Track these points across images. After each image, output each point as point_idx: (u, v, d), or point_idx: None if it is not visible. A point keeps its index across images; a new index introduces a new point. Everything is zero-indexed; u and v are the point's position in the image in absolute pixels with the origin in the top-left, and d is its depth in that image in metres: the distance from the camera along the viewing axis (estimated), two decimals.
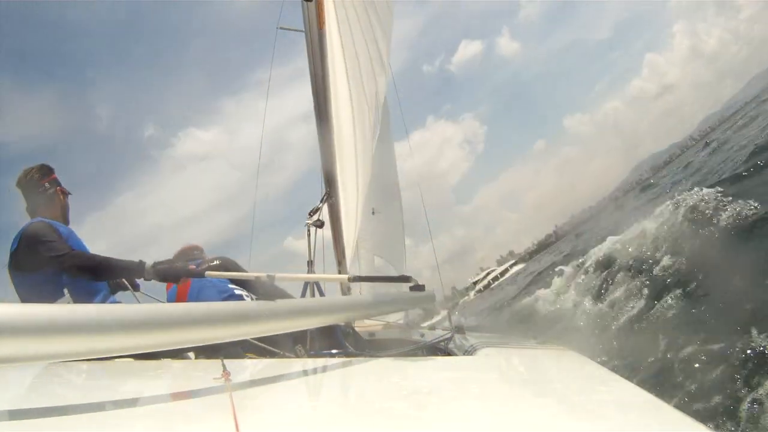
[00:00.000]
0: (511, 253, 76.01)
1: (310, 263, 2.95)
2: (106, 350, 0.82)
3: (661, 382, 3.72)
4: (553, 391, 1.07)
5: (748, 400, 2.98)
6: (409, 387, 1.08)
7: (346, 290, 3.98)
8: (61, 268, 1.83)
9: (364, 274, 5.15)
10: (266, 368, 1.38)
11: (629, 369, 4.14)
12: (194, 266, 2.66)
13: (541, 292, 9.59)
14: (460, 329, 2.81)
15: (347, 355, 2.26)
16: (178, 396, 0.95)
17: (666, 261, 5.92)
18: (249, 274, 1.82)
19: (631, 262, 6.80)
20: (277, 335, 1.76)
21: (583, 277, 8.26)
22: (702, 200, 6.44)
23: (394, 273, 5.35)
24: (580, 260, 9.61)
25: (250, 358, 1.80)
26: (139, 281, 2.23)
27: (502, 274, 49.16)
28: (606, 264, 7.74)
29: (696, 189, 6.98)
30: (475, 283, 54.82)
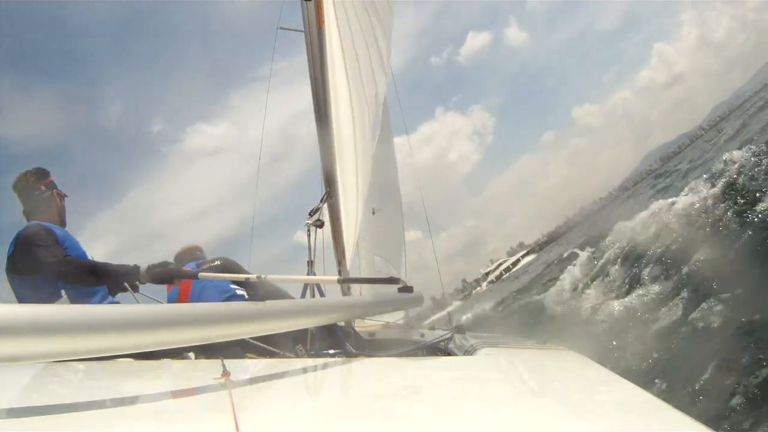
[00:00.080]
0: (521, 245, 76.20)
1: (310, 263, 2.95)
2: (105, 349, 0.82)
3: (661, 382, 3.72)
4: (554, 391, 1.07)
5: (749, 400, 2.98)
6: (409, 387, 1.08)
7: (346, 290, 3.98)
8: (54, 275, 1.85)
9: (364, 273, 5.16)
10: (266, 368, 1.38)
11: (629, 369, 4.14)
12: (195, 266, 2.67)
13: (553, 288, 9.51)
14: (460, 329, 2.81)
15: (347, 355, 2.26)
16: (178, 396, 0.95)
17: (668, 256, 5.90)
18: (240, 275, 1.83)
19: (635, 255, 6.77)
20: (277, 336, 1.77)
21: (593, 271, 8.24)
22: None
23: (394, 273, 5.37)
24: (591, 251, 9.58)
25: (250, 358, 1.80)
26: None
27: (514, 264, 49.44)
28: (612, 258, 7.72)
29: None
30: (487, 274, 55.23)
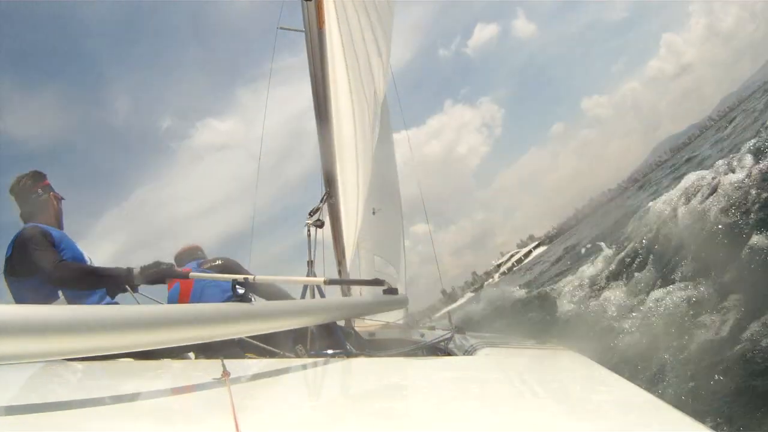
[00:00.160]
0: (531, 237, 75.82)
1: (310, 263, 2.95)
2: (106, 348, 0.82)
3: (661, 382, 3.72)
4: (554, 391, 1.07)
5: (749, 400, 2.97)
6: (409, 387, 1.08)
7: (346, 291, 3.99)
8: (49, 281, 1.87)
9: (364, 273, 5.17)
10: (266, 368, 1.38)
11: (629, 369, 4.14)
12: (195, 266, 2.68)
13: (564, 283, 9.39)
14: (460, 329, 2.81)
15: (347, 355, 2.26)
16: (178, 396, 0.95)
17: (670, 254, 5.84)
18: (231, 276, 1.85)
19: (639, 251, 6.69)
20: (277, 335, 1.77)
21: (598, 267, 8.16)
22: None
23: (394, 272, 5.38)
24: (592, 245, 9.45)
25: (250, 358, 1.81)
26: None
27: (526, 256, 49.49)
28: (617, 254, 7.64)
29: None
30: (498, 266, 55.33)
